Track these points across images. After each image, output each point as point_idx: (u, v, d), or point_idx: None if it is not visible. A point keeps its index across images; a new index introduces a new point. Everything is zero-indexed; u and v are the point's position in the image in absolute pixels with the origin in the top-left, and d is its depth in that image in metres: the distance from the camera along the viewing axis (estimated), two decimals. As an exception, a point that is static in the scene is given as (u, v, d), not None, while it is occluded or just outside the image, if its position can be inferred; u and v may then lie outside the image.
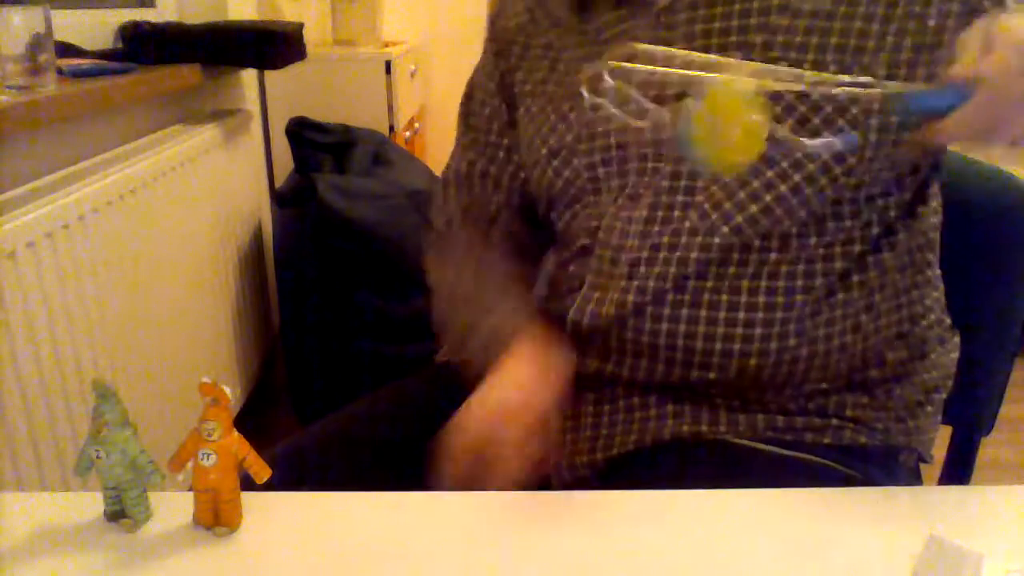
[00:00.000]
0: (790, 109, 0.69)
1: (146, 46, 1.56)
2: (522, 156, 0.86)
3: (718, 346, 0.73)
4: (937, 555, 0.50)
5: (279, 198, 2.03)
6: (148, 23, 1.60)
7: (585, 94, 0.65)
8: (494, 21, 0.90)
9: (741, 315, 0.72)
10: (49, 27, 1.17)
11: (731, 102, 0.52)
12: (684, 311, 0.73)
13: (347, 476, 0.77)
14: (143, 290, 1.41)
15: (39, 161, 1.25)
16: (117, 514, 0.58)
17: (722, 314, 0.72)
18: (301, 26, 1.86)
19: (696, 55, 0.58)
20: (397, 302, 1.90)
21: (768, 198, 0.70)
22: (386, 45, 2.59)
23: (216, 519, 0.58)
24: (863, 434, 0.74)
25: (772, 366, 0.73)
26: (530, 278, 0.87)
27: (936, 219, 0.80)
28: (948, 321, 0.82)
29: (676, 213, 0.73)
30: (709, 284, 0.72)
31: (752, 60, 0.69)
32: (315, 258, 1.93)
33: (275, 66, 1.82)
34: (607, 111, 0.63)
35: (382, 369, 0.83)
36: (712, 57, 0.58)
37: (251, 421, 1.88)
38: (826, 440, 0.73)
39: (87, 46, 1.57)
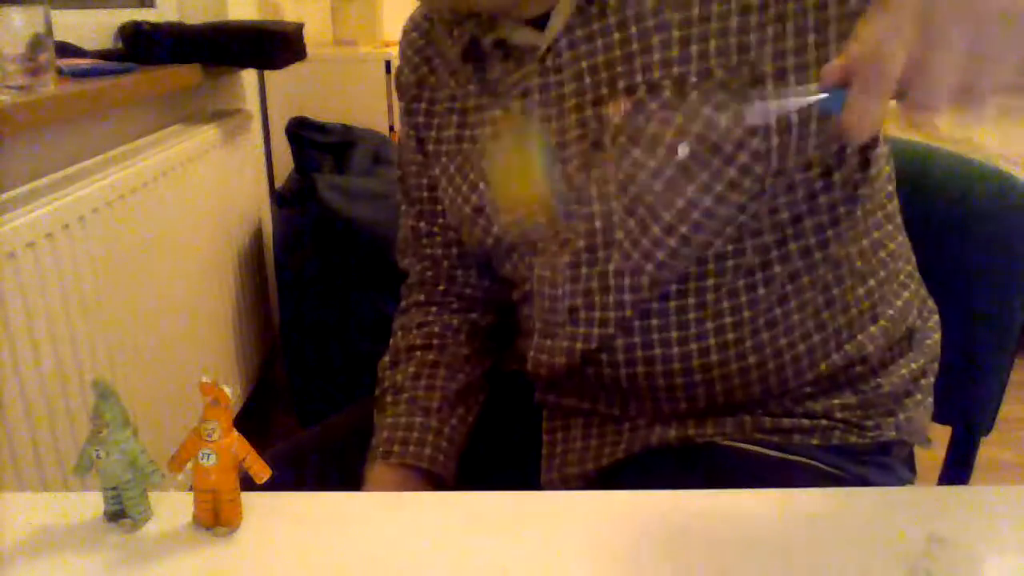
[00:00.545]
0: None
1: (146, 46, 1.56)
2: (447, 213, 0.84)
3: (679, 380, 0.72)
4: (937, 556, 0.50)
5: (279, 198, 2.03)
6: (148, 23, 1.60)
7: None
8: (398, 77, 0.87)
9: (693, 346, 0.71)
10: (49, 27, 1.17)
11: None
12: (638, 353, 0.72)
13: (347, 476, 0.77)
14: (143, 290, 1.41)
15: (39, 161, 1.25)
16: (117, 514, 0.58)
17: (675, 350, 0.72)
18: (301, 26, 1.86)
19: None
20: (396, 302, 1.90)
21: (683, 229, 0.68)
22: (386, 45, 2.59)
23: (216, 519, 0.57)
24: (853, 434, 0.74)
25: (741, 386, 0.73)
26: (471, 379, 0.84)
27: (890, 187, 0.77)
28: (924, 292, 0.81)
29: (599, 254, 0.71)
30: (655, 322, 0.71)
31: (637, 87, 0.67)
32: (315, 258, 1.92)
33: (275, 66, 1.81)
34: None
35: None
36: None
37: (251, 421, 1.89)
38: (815, 441, 0.73)
39: (87, 46, 1.57)
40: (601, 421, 0.78)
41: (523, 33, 0.74)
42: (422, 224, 0.88)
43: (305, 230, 1.92)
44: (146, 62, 1.53)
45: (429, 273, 0.89)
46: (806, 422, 0.74)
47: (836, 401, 0.74)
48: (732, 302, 0.71)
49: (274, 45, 1.74)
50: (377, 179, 2.03)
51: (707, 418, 0.74)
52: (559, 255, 0.74)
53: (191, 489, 0.58)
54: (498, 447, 0.84)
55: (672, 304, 0.71)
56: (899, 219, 0.79)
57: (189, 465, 0.57)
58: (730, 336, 0.71)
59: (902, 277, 0.78)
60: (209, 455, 0.56)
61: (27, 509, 0.60)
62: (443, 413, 0.79)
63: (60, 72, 1.27)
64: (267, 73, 2.30)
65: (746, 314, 0.71)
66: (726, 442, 0.73)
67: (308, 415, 2.05)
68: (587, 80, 0.70)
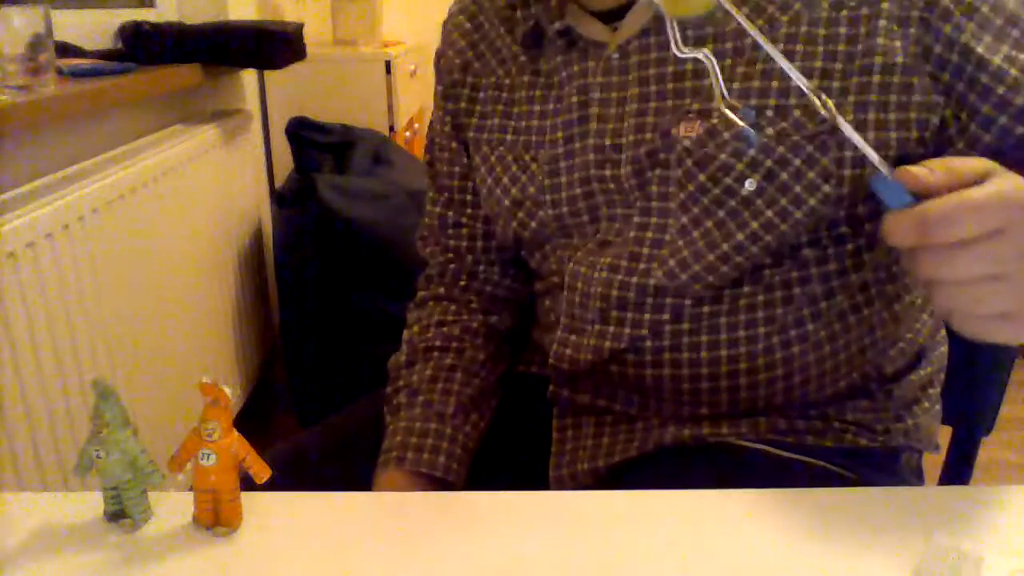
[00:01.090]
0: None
1: (146, 46, 1.56)
2: (483, 204, 0.83)
3: (704, 385, 0.72)
4: (937, 555, 0.50)
5: (279, 198, 2.03)
6: (148, 23, 1.60)
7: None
8: (439, 60, 0.86)
9: (723, 352, 0.71)
10: (49, 27, 1.17)
11: None
12: (666, 356, 0.72)
13: (347, 476, 0.77)
14: (143, 290, 1.41)
15: (39, 161, 1.25)
16: (117, 514, 0.58)
17: (704, 355, 0.71)
18: (301, 26, 1.86)
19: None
20: (397, 302, 1.89)
21: (738, 259, 0.68)
22: (386, 45, 2.59)
23: (216, 519, 0.57)
24: (864, 437, 0.74)
25: (765, 395, 0.73)
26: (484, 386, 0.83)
27: None
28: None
29: (642, 266, 0.71)
30: (687, 326, 0.71)
31: (712, 112, 0.66)
32: (315, 258, 1.92)
33: (275, 66, 1.81)
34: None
35: (382, 369, 0.84)
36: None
37: (251, 421, 1.88)
38: (827, 443, 0.73)
39: (87, 46, 1.57)
40: (615, 420, 0.77)
41: (593, 27, 0.73)
42: (450, 213, 0.86)
43: (305, 230, 1.92)
44: (146, 62, 1.53)
45: (452, 266, 0.88)
46: (819, 424, 0.74)
47: (849, 404, 0.74)
48: (767, 313, 0.70)
49: (274, 45, 1.74)
50: (377, 179, 2.03)
51: (723, 418, 0.74)
52: (598, 255, 0.74)
53: (191, 489, 0.58)
54: (506, 445, 0.84)
55: (706, 310, 0.71)
56: None
57: (189, 465, 0.57)
58: (761, 346, 0.71)
59: (921, 301, 0.78)
60: (209, 455, 0.56)
61: (27, 509, 0.60)
62: (458, 420, 0.78)
63: (60, 72, 1.27)
64: (267, 73, 2.29)
65: (778, 325, 0.71)
66: (739, 441, 0.73)
67: (308, 415, 2.05)
68: (652, 88, 0.70)
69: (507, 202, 0.78)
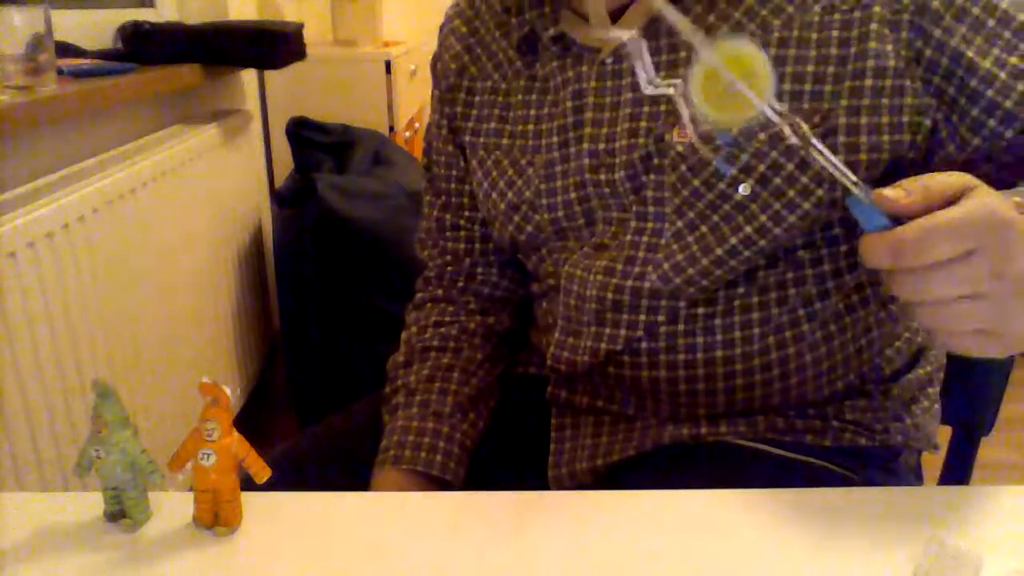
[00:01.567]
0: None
1: (146, 46, 1.56)
2: (480, 207, 0.84)
3: (700, 386, 0.72)
4: (937, 556, 0.50)
5: (279, 198, 2.03)
6: (148, 23, 1.60)
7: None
8: (435, 64, 0.86)
9: (719, 353, 0.71)
10: (49, 27, 1.17)
11: (730, 57, 0.49)
12: (662, 357, 0.72)
13: (347, 476, 0.77)
14: (143, 290, 1.41)
15: (39, 161, 1.25)
16: (117, 514, 0.58)
17: (700, 355, 0.72)
18: (301, 26, 1.86)
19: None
20: (397, 302, 1.89)
21: (732, 263, 0.68)
22: (386, 45, 2.59)
23: (216, 519, 0.57)
24: (863, 436, 0.74)
25: (762, 395, 0.73)
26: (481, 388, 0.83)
27: None
28: None
29: (637, 269, 0.71)
30: (682, 327, 0.71)
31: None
32: (315, 258, 1.92)
33: (275, 66, 1.81)
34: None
35: (382, 369, 0.83)
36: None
37: (251, 421, 1.89)
38: (826, 442, 0.73)
39: (87, 46, 1.57)
40: (613, 419, 0.78)
41: (587, 32, 0.73)
42: (447, 216, 0.87)
43: (305, 230, 1.92)
44: (146, 62, 1.53)
45: (450, 268, 0.88)
46: (818, 423, 0.74)
47: (847, 403, 0.75)
48: (762, 313, 0.71)
49: (274, 45, 1.74)
50: (377, 179, 2.03)
51: (721, 418, 0.74)
52: (594, 258, 0.74)
53: (191, 489, 0.58)
54: (505, 444, 0.84)
55: (701, 311, 0.71)
56: None
57: (189, 465, 0.57)
58: (756, 346, 0.71)
59: None
60: (209, 455, 0.56)
61: (27, 509, 0.60)
62: (455, 419, 0.79)
63: (60, 72, 1.27)
64: (267, 73, 2.29)
65: (773, 326, 0.71)
66: (738, 441, 0.73)
67: (308, 415, 2.05)
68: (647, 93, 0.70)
69: (503, 205, 0.78)
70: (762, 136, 0.65)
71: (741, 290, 0.70)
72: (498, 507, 0.60)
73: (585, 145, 0.73)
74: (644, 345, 0.72)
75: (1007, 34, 0.65)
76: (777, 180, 0.66)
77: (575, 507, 0.61)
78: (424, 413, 0.78)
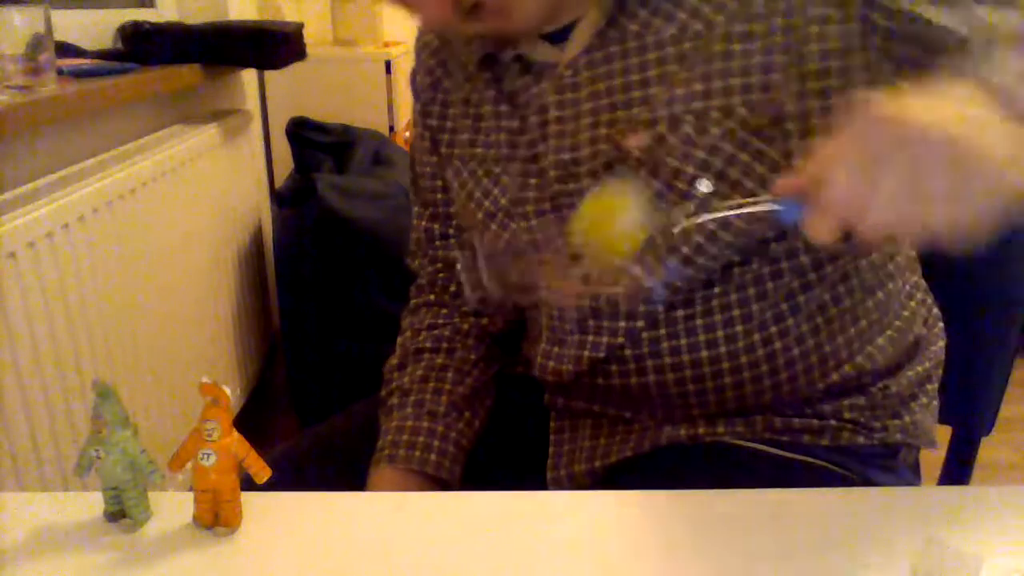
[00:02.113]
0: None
1: (146, 46, 1.56)
2: (458, 217, 0.85)
3: (690, 387, 0.73)
4: (937, 556, 0.50)
5: (279, 198, 2.03)
6: (148, 23, 1.60)
7: None
8: (414, 79, 0.87)
9: (704, 354, 0.71)
10: (49, 27, 1.17)
11: (609, 204, 0.57)
12: (647, 362, 0.73)
13: (347, 476, 0.77)
14: (143, 290, 1.41)
15: (39, 161, 1.25)
16: (117, 514, 0.58)
17: (686, 357, 0.72)
18: (301, 26, 1.86)
19: None
20: (397, 302, 1.90)
21: (701, 260, 0.69)
22: (386, 45, 2.59)
23: (216, 519, 0.58)
24: (861, 435, 0.74)
25: (753, 392, 0.73)
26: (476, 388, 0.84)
27: None
28: (931, 300, 0.81)
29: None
30: (663, 331, 0.72)
31: (655, 114, 0.68)
32: (315, 258, 1.92)
33: (275, 66, 1.81)
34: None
35: (382, 369, 0.84)
36: None
37: (251, 421, 1.89)
38: (824, 442, 0.73)
39: (87, 46, 1.57)
40: (611, 422, 0.78)
41: (542, 49, 0.74)
42: (436, 226, 0.88)
43: (305, 230, 1.92)
44: (146, 62, 1.53)
45: (441, 276, 0.89)
46: (816, 422, 0.74)
47: (845, 402, 0.74)
48: (742, 311, 0.71)
49: (274, 45, 1.74)
50: (377, 179, 2.03)
51: (718, 418, 0.74)
52: (570, 267, 0.74)
53: (191, 489, 0.58)
54: (503, 446, 0.84)
55: (680, 313, 0.71)
56: None
57: (189, 465, 0.57)
58: (741, 344, 0.71)
59: (908, 288, 0.78)
60: (209, 455, 0.56)
61: (27, 509, 0.60)
62: (450, 418, 0.79)
63: (60, 72, 1.27)
64: (267, 73, 2.29)
65: (757, 322, 0.71)
66: (736, 441, 0.73)
67: (308, 415, 2.05)
68: (604, 101, 0.71)
69: (480, 215, 0.79)
70: (715, 131, 0.66)
71: (718, 289, 0.70)
72: (496, 507, 0.60)
73: (551, 157, 0.73)
74: (628, 352, 0.73)
75: None
76: (733, 172, 0.66)
77: (573, 507, 0.61)
78: (419, 413, 0.79)
